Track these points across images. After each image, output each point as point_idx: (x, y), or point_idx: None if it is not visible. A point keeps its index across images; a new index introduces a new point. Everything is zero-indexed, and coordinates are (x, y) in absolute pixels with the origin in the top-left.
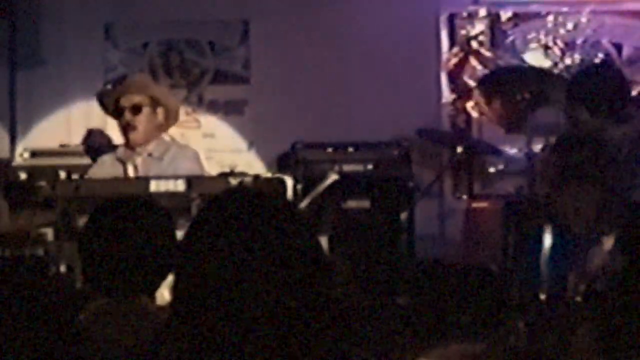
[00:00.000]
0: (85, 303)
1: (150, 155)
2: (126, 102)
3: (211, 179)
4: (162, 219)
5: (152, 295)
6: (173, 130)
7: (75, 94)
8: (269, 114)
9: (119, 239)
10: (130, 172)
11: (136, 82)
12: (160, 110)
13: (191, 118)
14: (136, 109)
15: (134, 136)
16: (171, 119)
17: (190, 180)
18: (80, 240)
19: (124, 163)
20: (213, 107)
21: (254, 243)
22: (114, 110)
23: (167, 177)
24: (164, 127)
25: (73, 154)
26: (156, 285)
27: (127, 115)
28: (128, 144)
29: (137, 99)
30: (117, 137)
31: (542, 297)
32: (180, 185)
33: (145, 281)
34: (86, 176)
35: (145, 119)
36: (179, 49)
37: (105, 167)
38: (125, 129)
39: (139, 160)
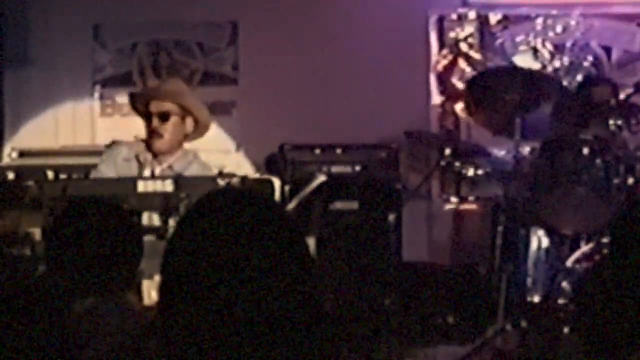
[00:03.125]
0: (72, 302)
1: (170, 167)
2: (155, 107)
3: (199, 179)
4: (127, 218)
5: (129, 290)
6: None
7: (64, 94)
8: (258, 115)
9: (88, 237)
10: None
11: (168, 89)
12: (189, 121)
13: None
14: (164, 117)
15: (159, 144)
16: (200, 130)
17: (177, 181)
18: (54, 238)
19: (141, 164)
20: None
21: (241, 244)
22: (143, 113)
23: (154, 178)
24: (190, 137)
25: (61, 154)
26: (131, 281)
27: (155, 122)
28: (149, 148)
29: (167, 106)
30: (103, 139)
31: (529, 299)
32: (168, 186)
33: (123, 278)
34: (100, 159)
35: (173, 128)
36: (167, 49)
37: (120, 158)
38: (151, 134)
39: (157, 170)
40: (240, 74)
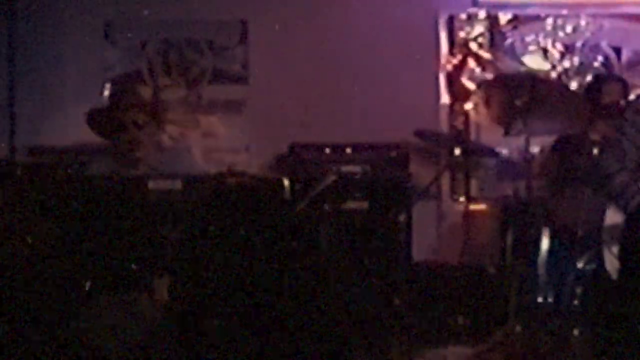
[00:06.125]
0: (86, 301)
1: None
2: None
3: (208, 178)
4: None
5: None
6: (172, 130)
7: (75, 92)
8: (268, 114)
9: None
10: None
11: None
12: None
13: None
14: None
15: None
16: None
17: (187, 179)
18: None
19: None
20: (212, 107)
21: (251, 244)
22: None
23: (164, 176)
24: None
25: (72, 151)
26: (150, 283)
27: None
28: None
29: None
30: None
31: (539, 300)
32: (177, 184)
33: (139, 279)
34: None
35: None
36: (178, 48)
37: None
38: None
39: None
40: (250, 72)
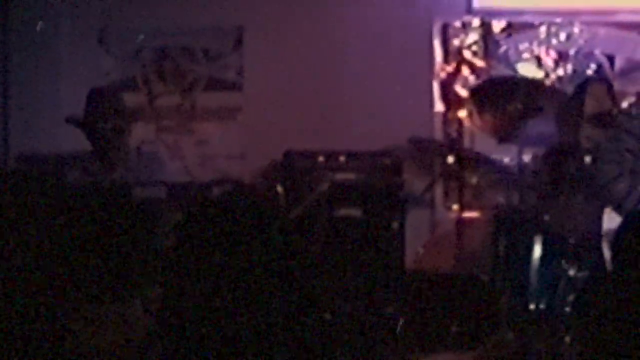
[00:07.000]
0: (73, 310)
1: None
2: None
3: (196, 186)
4: (142, 222)
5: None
6: (167, 137)
7: (68, 99)
8: (262, 122)
9: (99, 243)
10: None
11: None
12: None
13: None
14: None
15: None
16: None
17: (172, 188)
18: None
19: None
20: (206, 114)
21: (241, 253)
22: None
23: (150, 184)
24: None
25: (65, 159)
26: (139, 290)
27: None
28: None
29: None
30: None
31: (532, 307)
32: (162, 192)
33: (129, 286)
34: None
35: None
36: (172, 55)
37: None
38: None
39: None
40: (245, 80)
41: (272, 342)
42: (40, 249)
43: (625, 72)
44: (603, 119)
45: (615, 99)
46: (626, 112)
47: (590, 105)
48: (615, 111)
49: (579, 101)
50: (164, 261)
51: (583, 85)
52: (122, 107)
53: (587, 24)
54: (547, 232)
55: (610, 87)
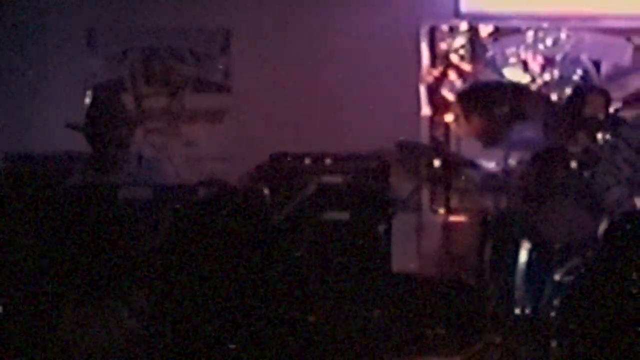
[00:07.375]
0: (61, 312)
1: None
2: None
3: (183, 188)
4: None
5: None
6: (155, 139)
7: (56, 98)
8: (249, 124)
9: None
10: None
11: None
12: None
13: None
14: None
15: None
16: None
17: (158, 189)
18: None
19: None
20: (194, 116)
21: (228, 254)
22: None
23: (137, 184)
24: None
25: (53, 159)
26: (127, 292)
27: None
28: None
29: None
30: None
31: (518, 311)
32: (148, 193)
33: (116, 288)
34: None
35: None
36: (160, 56)
37: None
38: None
39: None
40: (232, 82)
41: (257, 343)
42: (25, 251)
43: (611, 78)
44: (598, 127)
45: (609, 108)
46: (627, 122)
47: (587, 114)
48: (610, 120)
49: (575, 108)
50: (150, 262)
51: (579, 92)
52: (125, 113)
53: (574, 29)
54: (534, 237)
55: (607, 97)
